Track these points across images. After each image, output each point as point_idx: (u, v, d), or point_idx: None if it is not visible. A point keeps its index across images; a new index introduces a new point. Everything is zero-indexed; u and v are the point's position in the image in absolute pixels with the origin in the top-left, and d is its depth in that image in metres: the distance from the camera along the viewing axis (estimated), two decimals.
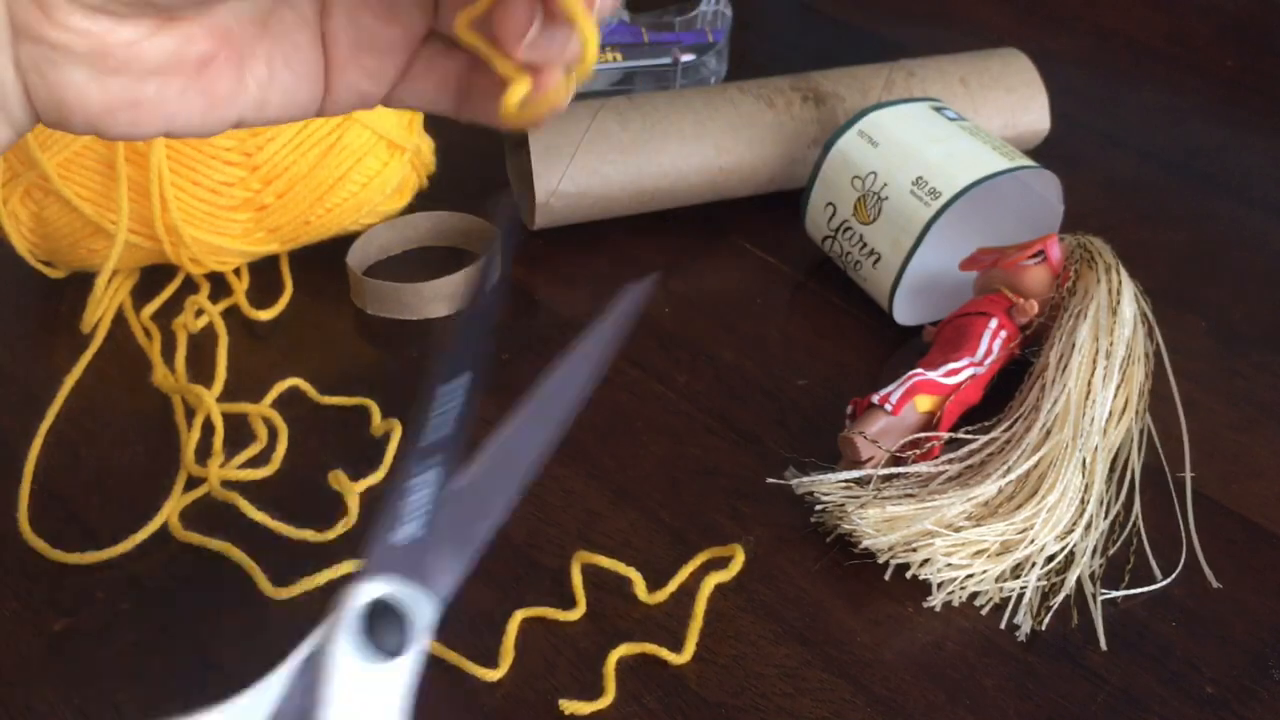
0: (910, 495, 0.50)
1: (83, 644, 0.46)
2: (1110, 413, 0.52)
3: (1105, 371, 0.52)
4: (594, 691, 0.44)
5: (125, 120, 0.30)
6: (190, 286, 0.61)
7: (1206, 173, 0.74)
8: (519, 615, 0.46)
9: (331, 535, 0.49)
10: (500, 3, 0.29)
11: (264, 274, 0.63)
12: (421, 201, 0.65)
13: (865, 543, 0.48)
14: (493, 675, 0.45)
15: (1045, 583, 0.48)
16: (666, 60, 0.76)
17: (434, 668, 0.45)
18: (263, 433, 0.54)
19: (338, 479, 0.51)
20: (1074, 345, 0.53)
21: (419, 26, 0.32)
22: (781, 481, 0.51)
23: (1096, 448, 0.51)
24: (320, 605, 0.46)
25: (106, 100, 0.29)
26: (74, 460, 0.53)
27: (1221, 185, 0.73)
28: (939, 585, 0.47)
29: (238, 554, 0.48)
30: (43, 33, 0.28)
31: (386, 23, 0.32)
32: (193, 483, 0.52)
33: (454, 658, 0.45)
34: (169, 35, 0.29)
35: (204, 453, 0.53)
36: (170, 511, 0.50)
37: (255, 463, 0.53)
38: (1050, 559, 0.49)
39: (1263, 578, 0.49)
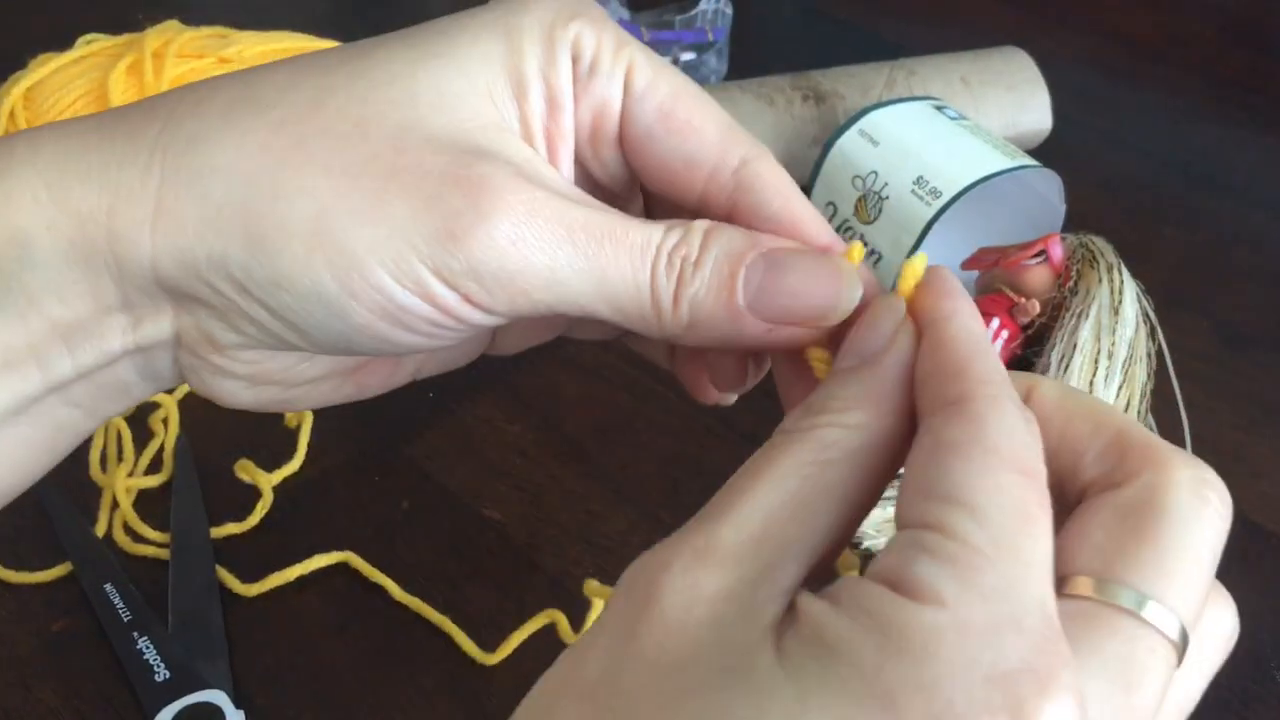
0: None
1: (82, 644, 0.46)
2: None
3: (1107, 371, 0.52)
4: None
5: (274, 409, 0.30)
6: None
7: (1207, 173, 0.74)
8: (531, 624, 0.46)
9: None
10: None
11: None
12: None
13: (865, 543, 0.48)
14: (491, 659, 0.45)
15: None
16: (666, 59, 0.76)
17: (436, 666, 0.45)
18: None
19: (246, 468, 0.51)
20: (1076, 345, 0.52)
21: None
22: None
23: None
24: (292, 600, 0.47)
25: (258, 402, 0.29)
26: (73, 460, 0.52)
27: (1222, 185, 0.73)
28: None
29: None
30: (208, 358, 0.27)
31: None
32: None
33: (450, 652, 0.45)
34: (326, 358, 0.29)
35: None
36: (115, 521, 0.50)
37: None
38: None
39: (1263, 578, 0.49)
